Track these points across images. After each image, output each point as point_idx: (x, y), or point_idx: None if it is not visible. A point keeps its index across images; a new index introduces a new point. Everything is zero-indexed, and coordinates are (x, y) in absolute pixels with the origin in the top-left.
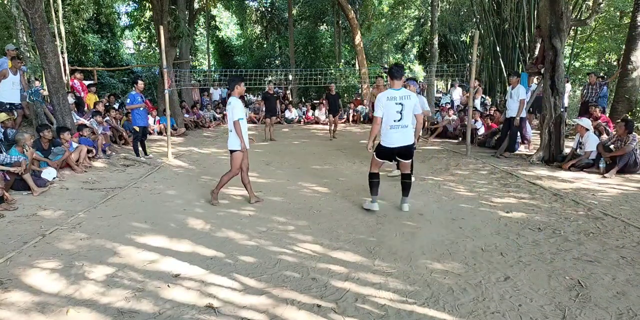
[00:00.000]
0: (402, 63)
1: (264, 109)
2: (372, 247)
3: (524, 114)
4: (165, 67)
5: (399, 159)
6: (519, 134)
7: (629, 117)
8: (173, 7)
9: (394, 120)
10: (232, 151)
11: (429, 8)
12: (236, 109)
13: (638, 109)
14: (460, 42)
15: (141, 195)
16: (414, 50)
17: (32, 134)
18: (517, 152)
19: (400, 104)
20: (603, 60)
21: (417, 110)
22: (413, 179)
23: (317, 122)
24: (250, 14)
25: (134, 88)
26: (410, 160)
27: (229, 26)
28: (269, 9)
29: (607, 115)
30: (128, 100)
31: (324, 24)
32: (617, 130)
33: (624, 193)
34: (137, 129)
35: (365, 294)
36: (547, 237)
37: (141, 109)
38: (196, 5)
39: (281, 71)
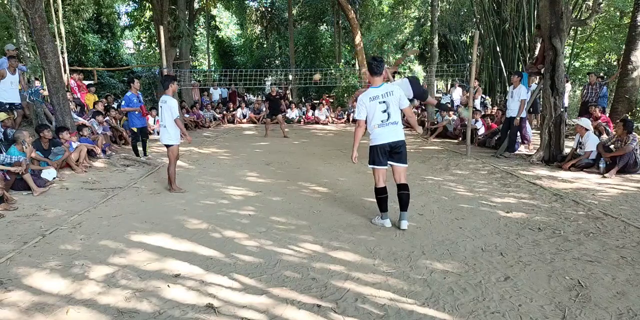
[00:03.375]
0: (381, 57)
1: (263, 109)
2: (372, 247)
3: (524, 114)
4: (165, 67)
5: (392, 163)
6: (519, 134)
7: (629, 117)
8: (173, 7)
9: (382, 121)
10: (170, 145)
11: (429, 8)
12: (176, 108)
13: (638, 109)
14: (460, 42)
15: (141, 195)
16: None
17: (30, 133)
18: (517, 152)
19: (384, 102)
20: (603, 60)
21: (404, 104)
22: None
23: (317, 122)
24: (250, 14)
25: (129, 88)
26: (405, 166)
27: (229, 26)
28: (269, 9)
29: (607, 115)
30: (123, 102)
31: (324, 24)
32: (617, 130)
33: (624, 193)
34: (135, 130)
35: (365, 294)
36: (547, 237)
37: (136, 113)
38: (196, 5)
39: (281, 71)
